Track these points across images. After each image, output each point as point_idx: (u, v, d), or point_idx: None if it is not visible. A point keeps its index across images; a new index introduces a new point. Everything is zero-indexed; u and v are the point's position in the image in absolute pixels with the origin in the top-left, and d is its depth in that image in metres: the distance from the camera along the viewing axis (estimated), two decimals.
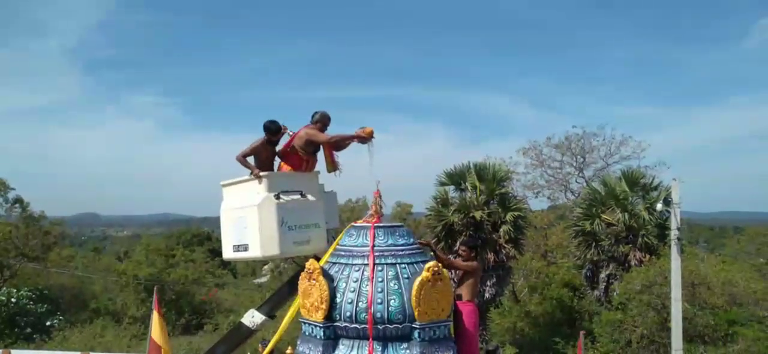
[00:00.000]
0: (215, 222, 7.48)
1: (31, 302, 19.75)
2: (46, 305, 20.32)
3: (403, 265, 5.93)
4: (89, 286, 25.74)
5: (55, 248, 24.58)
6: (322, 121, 7.30)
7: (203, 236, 41.75)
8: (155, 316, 8.82)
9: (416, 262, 6.01)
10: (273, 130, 7.20)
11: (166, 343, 8.87)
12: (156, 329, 8.75)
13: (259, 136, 7.24)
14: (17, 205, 23.08)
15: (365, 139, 6.80)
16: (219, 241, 7.35)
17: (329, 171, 7.42)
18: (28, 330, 19.06)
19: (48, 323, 19.68)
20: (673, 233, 12.27)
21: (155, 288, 9.07)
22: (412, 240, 6.29)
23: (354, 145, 7.17)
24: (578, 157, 26.05)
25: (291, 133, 7.42)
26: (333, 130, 7.33)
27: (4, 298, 19.03)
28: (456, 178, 17.47)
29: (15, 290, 19.72)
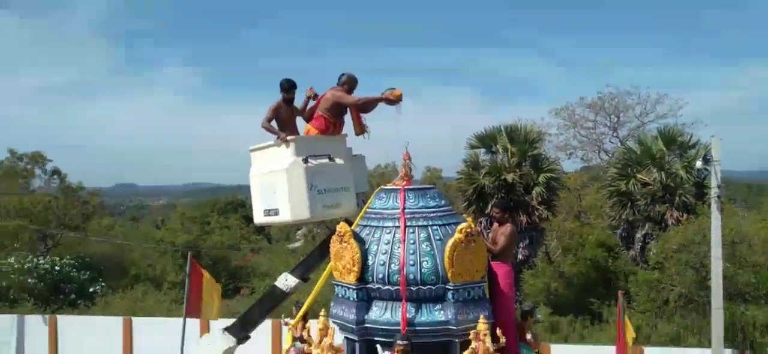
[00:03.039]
0: (247, 189, 7.49)
1: (74, 270, 20.35)
2: (88, 272, 20.93)
3: (435, 227, 5.87)
4: (129, 254, 26.40)
5: (94, 217, 25.25)
6: (348, 83, 7.19)
7: (237, 203, 42.30)
8: (201, 279, 8.93)
9: (448, 224, 5.93)
10: (287, 87, 7.19)
11: (214, 303, 9.02)
12: (198, 290, 8.88)
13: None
14: (55, 176, 23.70)
15: (393, 101, 6.68)
16: (252, 208, 7.37)
17: (357, 134, 7.34)
18: (73, 296, 19.70)
19: (91, 290, 20.30)
20: (714, 191, 11.89)
21: (190, 254, 9.19)
22: (443, 202, 6.20)
23: (381, 109, 7.07)
24: (612, 116, 25.45)
25: (314, 95, 7.34)
26: (359, 94, 7.22)
27: (48, 266, 19.65)
28: (487, 140, 17.23)
29: (58, 259, 20.35)
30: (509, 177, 16.13)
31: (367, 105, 7.06)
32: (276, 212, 6.88)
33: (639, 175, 16.76)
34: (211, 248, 25.88)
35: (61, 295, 19.68)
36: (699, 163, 14.78)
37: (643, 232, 16.66)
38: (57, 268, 19.85)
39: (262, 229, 33.52)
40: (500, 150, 16.93)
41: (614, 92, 25.11)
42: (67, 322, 15.60)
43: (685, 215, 15.72)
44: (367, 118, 7.33)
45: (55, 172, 23.97)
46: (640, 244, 16.72)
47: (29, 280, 19.00)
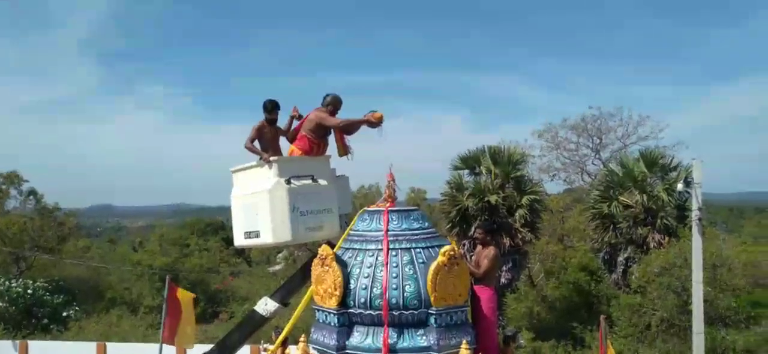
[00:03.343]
0: (229, 212, 7.40)
1: (48, 293, 19.90)
2: (62, 296, 20.47)
3: (418, 250, 5.79)
4: (105, 277, 25.93)
5: (70, 239, 24.77)
6: (333, 104, 7.16)
7: (217, 225, 41.92)
8: (175, 302, 8.75)
9: (432, 247, 5.86)
10: (270, 108, 7.15)
11: (188, 326, 8.82)
12: (176, 315, 8.69)
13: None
14: (31, 197, 23.27)
15: (375, 123, 6.72)
16: (232, 230, 7.26)
17: (341, 155, 7.31)
18: (45, 321, 19.22)
19: (64, 314, 19.83)
20: (695, 214, 12.00)
21: (168, 277, 9.01)
22: (427, 224, 6.14)
23: (364, 130, 7.04)
24: (595, 138, 25.79)
25: (299, 115, 7.31)
26: (343, 115, 7.20)
27: (20, 289, 19.18)
28: (470, 162, 17.28)
29: (31, 282, 19.88)
30: (493, 199, 16.15)
31: (350, 127, 7.06)
32: (257, 234, 6.78)
33: (621, 198, 16.89)
34: (189, 271, 25.48)
35: (33, 319, 19.18)
36: (680, 186, 14.95)
37: (626, 255, 16.74)
38: (30, 291, 19.38)
39: (242, 252, 33.15)
40: (484, 171, 16.99)
41: (597, 114, 25.48)
42: (39, 347, 15.19)
43: (666, 238, 15.84)
44: (350, 139, 7.30)
45: (31, 192, 23.55)
46: (623, 267, 16.80)
47: (0, 304, 18.50)
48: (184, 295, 9.01)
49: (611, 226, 16.95)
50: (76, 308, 20.46)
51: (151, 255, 27.07)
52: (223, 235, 37.95)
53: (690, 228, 12.71)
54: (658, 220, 16.20)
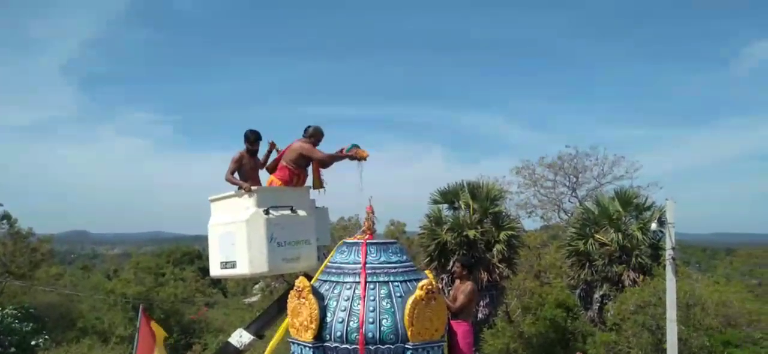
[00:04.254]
0: (206, 241, 7.34)
1: (17, 321, 19.28)
2: (31, 324, 19.85)
3: (396, 283, 5.76)
4: (77, 305, 25.27)
5: (43, 266, 24.14)
6: (315, 136, 7.20)
7: (193, 254, 41.38)
8: (147, 333, 8.54)
9: (409, 281, 5.84)
10: (251, 138, 7.15)
11: None
12: (148, 346, 8.46)
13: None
14: (4, 221, 22.70)
15: (359, 159, 6.78)
16: (209, 259, 7.17)
17: (315, 188, 7.33)
18: (13, 350, 18.58)
19: (33, 343, 19.21)
20: (668, 253, 12.13)
21: (141, 306, 8.81)
22: (405, 257, 6.12)
23: (346, 162, 7.07)
24: (571, 176, 26.00)
25: (278, 150, 7.32)
26: (324, 148, 7.24)
27: None
28: (449, 196, 17.32)
29: (0, 309, 19.27)
30: (471, 234, 16.17)
31: (332, 161, 7.10)
32: (233, 265, 6.71)
33: (597, 235, 17.01)
34: (163, 301, 24.97)
35: (0, 348, 18.55)
36: (654, 225, 15.09)
37: (601, 292, 16.79)
38: None
39: (217, 282, 32.69)
40: (463, 206, 17.02)
41: (573, 153, 25.76)
42: None
43: (641, 276, 15.93)
44: (326, 172, 7.34)
45: (5, 216, 22.98)
46: (598, 304, 16.84)
47: None
48: (158, 330, 8.80)
49: (587, 264, 17.02)
50: (46, 337, 19.83)
51: (125, 283, 26.50)
52: (200, 265, 37.40)
53: (664, 267, 12.82)
54: (633, 259, 16.33)
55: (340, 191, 7.62)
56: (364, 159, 6.82)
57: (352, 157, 6.85)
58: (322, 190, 7.33)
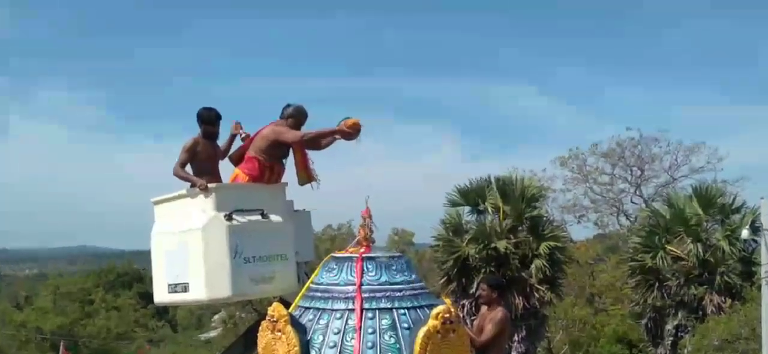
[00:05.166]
0: (148, 257, 7.36)
1: None
2: None
3: (402, 311, 5.77)
4: None
5: None
6: (295, 117, 7.18)
7: (131, 275, 41.53)
8: None
9: (420, 307, 5.85)
10: (207, 118, 7.16)
11: None
12: None
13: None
14: None
15: (349, 134, 6.74)
16: (152, 281, 7.19)
17: (302, 183, 7.33)
18: None
19: None
20: (764, 270, 12.17)
21: (62, 344, 8.86)
22: (414, 276, 6.14)
23: (333, 147, 7.08)
24: (634, 169, 26.09)
25: (245, 135, 7.32)
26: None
27: None
28: (472, 196, 17.35)
29: None
30: (501, 245, 16.21)
31: (316, 141, 7.07)
32: (185, 288, 6.73)
33: (669, 247, 17.06)
34: (92, 337, 25.08)
35: None
36: (745, 233, 15.15)
37: (675, 322, 16.85)
38: None
39: (165, 312, 32.78)
40: (489, 209, 17.06)
41: (637, 138, 25.81)
42: None
43: (728, 301, 15.99)
44: (315, 161, 7.34)
45: None
46: (672, 338, 16.90)
47: None
48: None
49: (656, 284, 17.08)
50: None
51: (41, 314, 26.61)
52: (140, 289, 37.55)
53: (759, 288, 12.87)
54: (718, 277, 16.37)
55: (327, 190, 7.60)
56: (357, 130, 6.80)
57: (341, 133, 6.83)
58: (313, 184, 7.33)
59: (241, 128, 7.44)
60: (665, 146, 25.66)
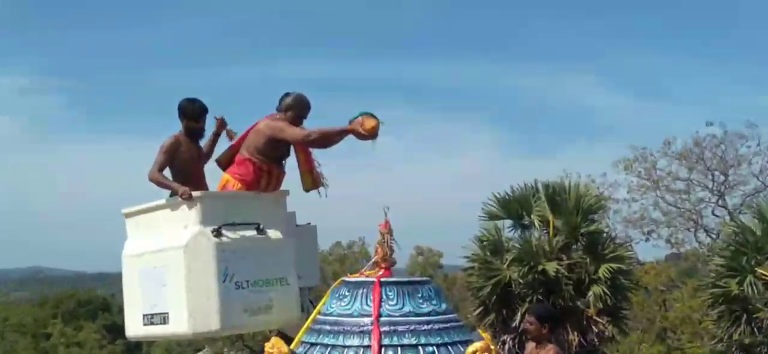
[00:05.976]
0: (118, 281, 7.42)
1: None
2: None
3: (429, 348, 5.81)
4: None
5: None
6: (296, 110, 7.21)
7: (97, 304, 41.84)
8: None
9: (452, 344, 5.89)
10: (190, 112, 7.21)
11: None
12: None
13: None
14: None
15: (365, 136, 6.72)
16: (121, 309, 7.25)
17: (306, 189, 7.36)
18: None
19: None
20: None
21: None
22: (444, 306, 6.18)
23: (347, 148, 7.11)
24: (717, 174, 25.96)
25: (233, 136, 7.37)
26: (311, 125, 7.26)
27: None
28: (514, 207, 17.34)
29: None
30: (551, 268, 16.19)
31: (324, 141, 7.08)
32: (164, 319, 6.77)
33: (760, 270, 16.97)
34: None
35: None
36: None
37: None
38: None
39: (138, 348, 32.99)
40: (536, 223, 17.04)
41: (719, 135, 25.67)
42: None
43: None
44: (323, 163, 7.38)
45: None
46: None
47: None
48: None
49: (744, 316, 16.99)
50: None
51: None
52: (107, 321, 37.81)
53: None
54: None
55: (336, 199, 7.63)
56: (374, 132, 6.79)
57: (355, 133, 6.80)
58: (320, 190, 7.37)
59: (227, 125, 7.49)
60: (755, 145, 25.50)
